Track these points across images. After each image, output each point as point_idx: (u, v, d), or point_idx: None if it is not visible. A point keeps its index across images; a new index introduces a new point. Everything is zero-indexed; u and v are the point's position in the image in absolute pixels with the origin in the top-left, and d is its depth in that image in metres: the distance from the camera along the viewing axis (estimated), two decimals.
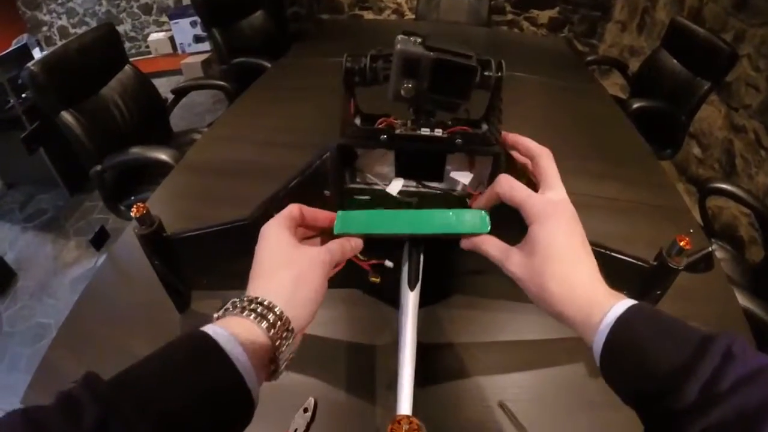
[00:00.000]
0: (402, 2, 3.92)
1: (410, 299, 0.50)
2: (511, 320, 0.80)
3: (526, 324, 0.79)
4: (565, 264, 0.42)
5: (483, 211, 0.46)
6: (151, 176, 1.73)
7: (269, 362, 0.38)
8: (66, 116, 1.55)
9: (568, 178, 0.48)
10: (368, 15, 4.03)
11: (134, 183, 1.77)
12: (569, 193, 0.46)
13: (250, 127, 1.48)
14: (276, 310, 0.38)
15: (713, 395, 0.31)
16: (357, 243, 0.47)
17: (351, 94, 0.45)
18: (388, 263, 0.51)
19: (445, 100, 0.42)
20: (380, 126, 0.46)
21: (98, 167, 1.58)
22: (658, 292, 0.67)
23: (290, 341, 0.39)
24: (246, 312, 0.37)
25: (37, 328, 1.99)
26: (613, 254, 0.64)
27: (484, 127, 0.46)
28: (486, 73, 0.41)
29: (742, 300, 0.99)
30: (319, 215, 0.48)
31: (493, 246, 0.46)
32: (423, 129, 0.44)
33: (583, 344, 0.68)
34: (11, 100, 2.37)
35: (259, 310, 0.37)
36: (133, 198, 1.71)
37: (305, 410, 0.64)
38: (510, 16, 3.84)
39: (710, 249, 0.70)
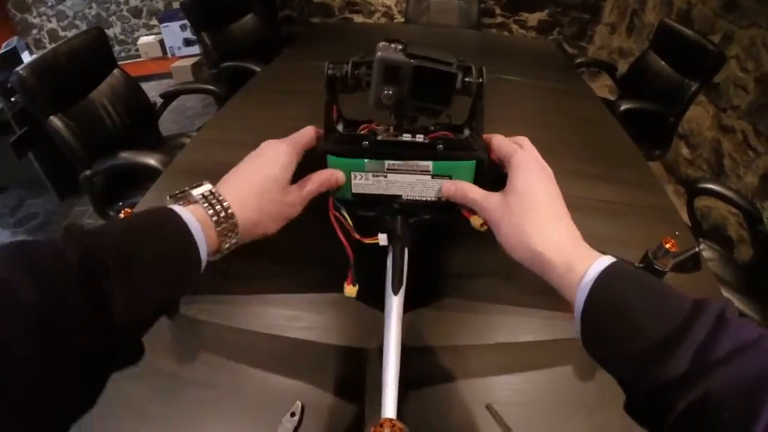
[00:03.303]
0: (391, 5, 3.92)
1: (394, 303, 0.50)
2: (501, 322, 0.80)
3: (516, 326, 0.79)
4: (543, 214, 0.42)
5: None
6: (140, 181, 1.72)
7: (215, 244, 0.43)
8: (55, 121, 1.54)
9: (560, 180, 0.48)
10: (358, 18, 4.03)
11: (124, 188, 1.76)
12: (563, 194, 0.46)
13: (240, 130, 1.47)
14: (228, 209, 0.43)
15: (707, 362, 0.29)
16: (340, 175, 0.49)
17: (334, 100, 0.45)
18: (382, 237, 0.51)
19: (426, 107, 0.42)
20: (362, 132, 0.46)
21: (87, 172, 1.58)
22: None
23: (234, 239, 0.44)
24: (204, 203, 0.43)
25: None
26: None
27: (466, 132, 0.46)
28: (467, 80, 0.41)
29: (731, 299, 1.00)
30: None
31: (474, 190, 0.47)
32: (405, 135, 0.45)
33: (574, 345, 0.68)
34: (0, 104, 2.35)
35: (213, 203, 0.43)
36: (121, 204, 1.71)
37: (292, 414, 0.64)
38: (499, 19, 3.85)
39: (697, 249, 0.70)
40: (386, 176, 0.47)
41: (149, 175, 1.49)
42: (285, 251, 0.69)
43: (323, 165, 0.48)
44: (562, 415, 0.68)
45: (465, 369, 0.73)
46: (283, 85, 1.84)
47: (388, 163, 0.46)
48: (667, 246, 0.65)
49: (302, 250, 0.71)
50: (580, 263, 0.38)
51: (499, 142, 0.47)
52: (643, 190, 1.22)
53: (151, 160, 1.47)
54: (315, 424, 0.64)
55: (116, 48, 4.26)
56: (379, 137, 0.45)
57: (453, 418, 0.67)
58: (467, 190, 0.47)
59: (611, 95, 2.77)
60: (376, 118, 0.47)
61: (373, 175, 0.47)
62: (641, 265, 0.67)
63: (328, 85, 0.44)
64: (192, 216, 0.40)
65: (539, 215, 0.41)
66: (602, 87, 3.44)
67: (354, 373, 0.71)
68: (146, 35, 4.33)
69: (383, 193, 0.49)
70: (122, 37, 4.39)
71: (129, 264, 0.34)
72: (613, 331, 0.35)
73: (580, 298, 0.37)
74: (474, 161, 0.46)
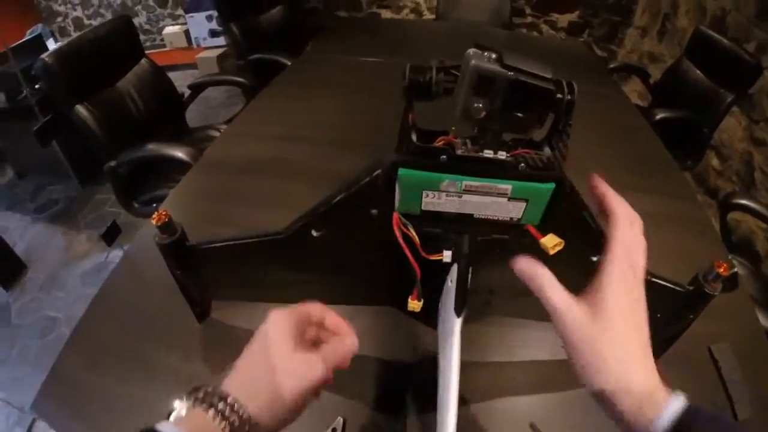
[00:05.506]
0: (420, 1, 3.87)
1: (457, 326, 0.46)
2: (543, 339, 0.77)
3: (555, 343, 0.76)
4: (632, 342, 0.36)
5: None
6: (165, 172, 1.71)
7: None
8: (80, 110, 1.52)
9: None
10: (386, 13, 3.99)
11: (148, 179, 1.74)
12: None
13: (271, 123, 1.45)
14: (242, 413, 0.37)
15: None
16: (352, 342, 0.44)
17: (411, 107, 0.42)
18: (447, 255, 0.48)
19: (517, 122, 0.39)
20: (439, 144, 0.43)
21: (113, 163, 1.56)
22: (692, 316, 0.66)
23: None
24: (211, 409, 0.36)
25: (45, 321, 1.97)
26: (652, 279, 0.62)
27: (547, 150, 0.43)
28: (558, 96, 0.38)
29: (763, 320, 0.96)
30: (342, 327, 0.45)
31: (554, 289, 0.39)
32: (486, 151, 0.41)
33: None
34: (24, 91, 2.35)
35: (221, 407, 0.37)
36: (148, 196, 1.68)
37: (333, 430, 0.62)
38: (529, 19, 3.79)
39: (736, 269, 0.69)
40: (461, 196, 0.44)
41: (175, 166, 1.48)
42: (315, 262, 0.66)
43: (389, 175, 0.44)
44: None
45: (506, 386, 0.71)
46: (313, 78, 1.82)
47: (465, 183, 0.43)
48: (720, 270, 0.62)
49: (332, 261, 0.67)
50: (652, 402, 0.34)
51: (611, 197, 0.41)
52: (678, 201, 1.19)
53: (181, 153, 1.44)
54: None
55: (141, 37, 4.25)
56: (459, 151, 0.42)
57: None
58: (546, 287, 0.39)
59: (641, 101, 2.70)
60: (448, 128, 0.44)
61: (447, 195, 0.44)
62: (691, 288, 0.64)
63: (407, 92, 0.40)
64: None
65: (621, 342, 0.36)
66: (632, 92, 3.36)
67: (396, 387, 0.69)
68: (171, 25, 4.33)
69: (454, 211, 0.46)
70: (147, 26, 4.40)
71: None
72: None
73: None
74: (553, 184, 0.43)
